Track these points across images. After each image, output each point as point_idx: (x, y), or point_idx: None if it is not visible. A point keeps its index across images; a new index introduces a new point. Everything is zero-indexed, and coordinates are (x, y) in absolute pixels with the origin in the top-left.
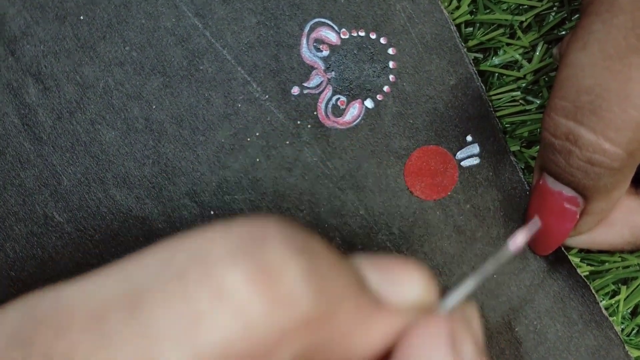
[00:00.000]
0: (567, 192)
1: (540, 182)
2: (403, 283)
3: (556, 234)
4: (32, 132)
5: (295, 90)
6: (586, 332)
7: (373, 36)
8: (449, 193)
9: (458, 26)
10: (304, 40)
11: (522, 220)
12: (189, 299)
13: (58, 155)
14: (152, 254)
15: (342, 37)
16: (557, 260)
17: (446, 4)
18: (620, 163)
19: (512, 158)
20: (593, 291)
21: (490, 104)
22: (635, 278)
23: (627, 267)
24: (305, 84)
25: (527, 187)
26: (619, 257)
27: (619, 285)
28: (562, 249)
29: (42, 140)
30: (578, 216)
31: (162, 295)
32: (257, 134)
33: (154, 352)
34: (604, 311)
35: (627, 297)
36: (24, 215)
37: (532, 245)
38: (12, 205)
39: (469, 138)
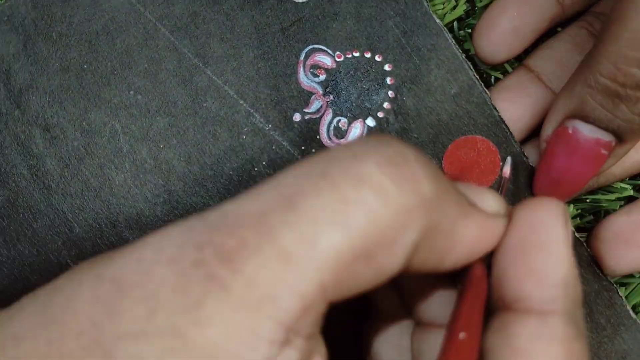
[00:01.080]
0: (604, 137)
1: (570, 131)
2: (485, 199)
3: (580, 179)
4: (42, 182)
5: (297, 116)
6: (615, 337)
7: (368, 55)
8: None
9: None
10: (301, 68)
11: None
12: (336, 188)
13: (68, 202)
14: (299, 167)
15: (337, 59)
16: (582, 265)
17: (443, 4)
18: None
19: (526, 160)
20: (620, 294)
21: (496, 108)
22: (634, 278)
23: None
24: (305, 110)
25: None
26: None
27: (619, 285)
28: (586, 250)
29: (51, 189)
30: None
31: (312, 190)
32: (264, 163)
33: (315, 233)
34: (632, 313)
35: (627, 297)
36: (38, 266)
37: (552, 192)
38: (26, 256)
39: None
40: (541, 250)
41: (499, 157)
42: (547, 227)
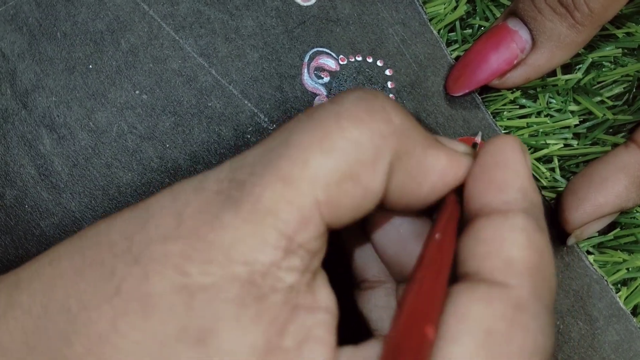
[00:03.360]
0: (523, 34)
1: (501, 24)
2: (453, 143)
3: (486, 64)
4: (49, 182)
5: None
6: (608, 328)
7: (370, 60)
8: None
9: (452, 29)
10: (305, 70)
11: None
12: (319, 124)
13: (76, 201)
14: (290, 120)
15: (341, 63)
16: (573, 259)
17: (445, 5)
18: (591, 20)
19: None
20: (610, 285)
21: (488, 112)
22: (635, 278)
23: (628, 268)
24: None
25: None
26: (620, 257)
27: (619, 285)
28: (577, 246)
29: (59, 188)
30: (515, 62)
31: (301, 128)
32: None
33: (306, 158)
34: (622, 305)
35: (627, 297)
36: None
37: (460, 74)
38: (34, 254)
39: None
40: (500, 167)
41: None
42: (506, 151)
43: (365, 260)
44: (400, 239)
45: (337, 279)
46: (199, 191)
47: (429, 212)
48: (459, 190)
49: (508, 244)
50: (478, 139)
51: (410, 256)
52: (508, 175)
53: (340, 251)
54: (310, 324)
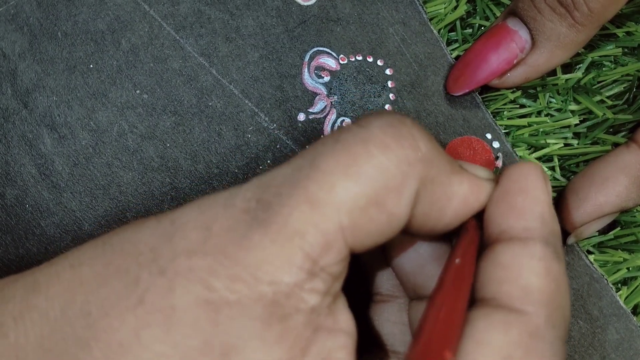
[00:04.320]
0: (523, 34)
1: (500, 23)
2: (475, 168)
3: (486, 64)
4: (50, 181)
5: (301, 116)
6: (608, 327)
7: (370, 59)
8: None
9: (453, 28)
10: (305, 69)
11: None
12: (347, 148)
13: (77, 201)
14: (317, 141)
15: (341, 62)
16: (573, 258)
17: (445, 4)
18: (591, 20)
19: (517, 157)
20: (610, 284)
21: (488, 111)
22: (635, 278)
23: (628, 267)
24: (310, 110)
25: None
26: (620, 257)
27: (620, 285)
28: (577, 245)
29: (60, 187)
30: (515, 61)
31: (329, 151)
32: (269, 161)
33: (333, 183)
34: (622, 304)
35: (627, 297)
36: None
37: (460, 73)
38: (34, 254)
39: None
40: (521, 193)
41: (493, 155)
42: (526, 177)
43: (380, 274)
44: (419, 259)
45: (351, 289)
46: (227, 208)
47: (449, 234)
48: (479, 214)
49: (526, 271)
50: (499, 163)
51: (427, 276)
52: (528, 201)
53: (356, 262)
54: (331, 346)
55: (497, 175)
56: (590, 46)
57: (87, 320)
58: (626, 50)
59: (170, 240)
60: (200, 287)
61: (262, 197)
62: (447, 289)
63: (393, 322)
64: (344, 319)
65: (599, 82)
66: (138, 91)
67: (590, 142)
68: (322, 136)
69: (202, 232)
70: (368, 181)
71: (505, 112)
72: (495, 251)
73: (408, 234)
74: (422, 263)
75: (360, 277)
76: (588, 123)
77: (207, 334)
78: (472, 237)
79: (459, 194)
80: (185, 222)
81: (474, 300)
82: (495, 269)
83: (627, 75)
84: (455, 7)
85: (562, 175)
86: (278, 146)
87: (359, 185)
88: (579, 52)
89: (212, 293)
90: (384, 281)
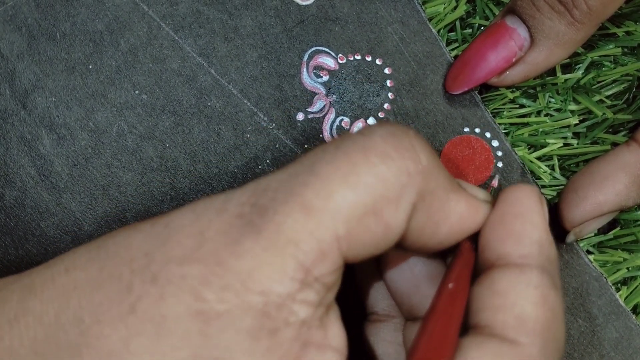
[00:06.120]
0: (521, 32)
1: (499, 21)
2: (472, 188)
3: (485, 62)
4: (49, 182)
5: (300, 116)
6: (607, 325)
7: (369, 58)
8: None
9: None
10: (304, 69)
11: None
12: (347, 156)
13: (77, 201)
14: (318, 146)
15: (340, 62)
16: (572, 256)
17: (444, 4)
18: (590, 18)
19: (519, 160)
20: (609, 283)
21: (487, 110)
22: (635, 278)
23: (628, 267)
24: (309, 109)
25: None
26: (620, 257)
27: (620, 285)
28: (576, 244)
29: (59, 188)
30: (514, 60)
31: (328, 158)
32: (268, 161)
33: (330, 190)
34: (621, 302)
35: (627, 297)
36: None
37: (459, 72)
38: (34, 255)
39: None
40: (518, 218)
41: (492, 154)
42: (524, 201)
43: (375, 294)
44: (413, 278)
45: (348, 307)
46: (221, 212)
47: (443, 254)
48: (474, 236)
49: (522, 300)
50: (495, 183)
51: (422, 296)
52: (526, 227)
53: (352, 280)
54: None
55: (494, 198)
56: (590, 46)
57: (79, 326)
58: (626, 50)
59: (163, 245)
60: (191, 298)
61: (257, 202)
62: (439, 314)
63: (388, 342)
64: (335, 334)
65: (598, 82)
66: (137, 91)
67: (589, 141)
68: (320, 136)
69: (195, 238)
70: (366, 190)
71: (504, 112)
72: (491, 277)
73: (403, 251)
74: (417, 283)
75: (357, 295)
76: (588, 123)
77: (196, 347)
78: (467, 260)
79: (456, 212)
80: (178, 226)
81: (467, 326)
82: (491, 296)
83: (627, 75)
84: (455, 7)
85: (562, 175)
86: (277, 146)
87: (357, 193)
88: (579, 51)
89: (203, 304)
90: (380, 300)
